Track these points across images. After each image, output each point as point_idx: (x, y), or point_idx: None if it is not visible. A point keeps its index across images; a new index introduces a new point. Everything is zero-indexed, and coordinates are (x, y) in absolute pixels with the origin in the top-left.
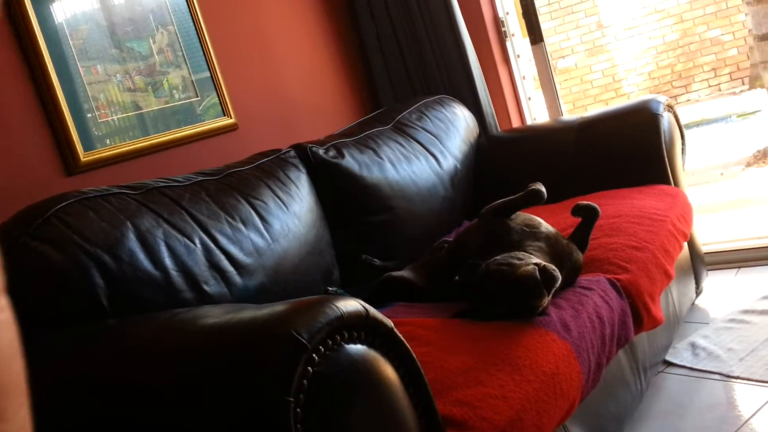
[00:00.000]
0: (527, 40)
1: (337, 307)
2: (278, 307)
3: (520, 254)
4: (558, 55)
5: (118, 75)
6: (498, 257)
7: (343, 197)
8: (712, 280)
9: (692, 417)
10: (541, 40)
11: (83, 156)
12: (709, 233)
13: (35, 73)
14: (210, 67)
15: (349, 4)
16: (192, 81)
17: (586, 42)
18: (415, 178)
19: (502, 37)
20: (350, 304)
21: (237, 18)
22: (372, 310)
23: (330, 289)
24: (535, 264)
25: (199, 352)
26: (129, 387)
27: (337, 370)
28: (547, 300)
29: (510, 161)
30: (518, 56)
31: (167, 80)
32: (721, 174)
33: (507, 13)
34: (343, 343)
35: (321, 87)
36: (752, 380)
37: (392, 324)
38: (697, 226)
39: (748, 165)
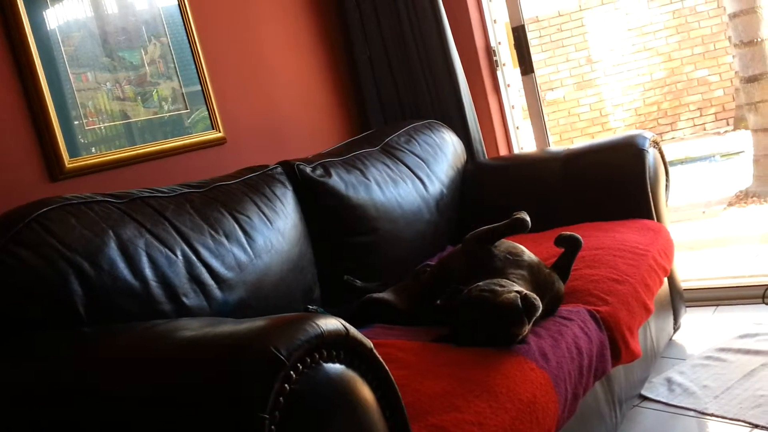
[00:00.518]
0: (518, 70)
1: (317, 325)
2: (258, 323)
3: (503, 281)
4: (547, 86)
5: (108, 83)
6: (480, 283)
7: (328, 216)
8: (690, 316)
9: None
10: (532, 71)
11: (68, 162)
12: (689, 270)
13: (25, 77)
14: (201, 80)
15: (342, 25)
16: (182, 93)
17: (575, 75)
18: (401, 200)
19: (493, 66)
20: (331, 323)
21: (231, 33)
22: (352, 330)
23: (310, 307)
24: (517, 292)
25: (175, 365)
26: (101, 397)
27: (315, 388)
28: (527, 328)
29: (496, 189)
30: (508, 86)
31: (157, 91)
32: (703, 212)
33: (499, 43)
34: (321, 362)
35: (311, 106)
36: (726, 418)
37: (372, 345)
38: (678, 262)
39: (730, 204)
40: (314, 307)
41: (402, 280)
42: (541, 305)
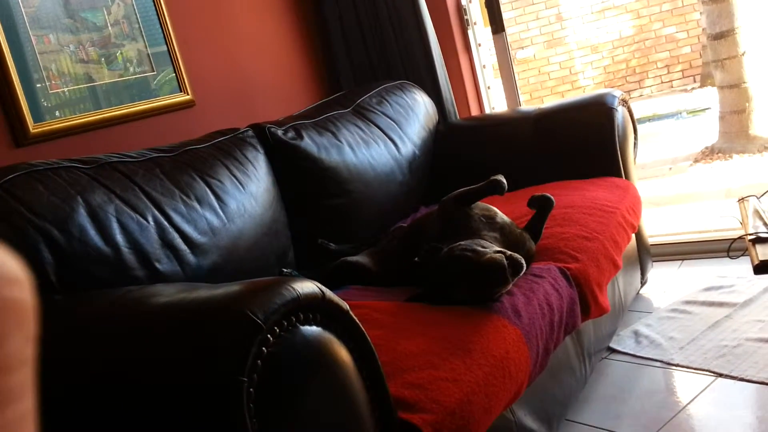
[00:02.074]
0: (488, 29)
1: (293, 288)
2: (234, 287)
3: (483, 242)
4: (517, 45)
5: (71, 45)
6: (462, 243)
7: (300, 179)
8: (656, 271)
9: (633, 402)
10: (503, 30)
11: (33, 127)
12: (656, 226)
13: None
14: (167, 41)
15: None
16: (148, 54)
17: (545, 34)
18: (374, 162)
19: (464, 25)
20: (307, 286)
21: None
22: (328, 293)
23: (285, 270)
24: (501, 252)
25: (151, 332)
26: (76, 367)
27: (292, 351)
28: (508, 287)
29: (468, 149)
30: (479, 45)
31: (122, 53)
32: (670, 169)
33: (470, 2)
34: (298, 324)
35: (281, 67)
36: (691, 368)
37: (348, 307)
38: (645, 218)
39: (696, 161)
40: (289, 270)
41: (376, 242)
42: (524, 265)
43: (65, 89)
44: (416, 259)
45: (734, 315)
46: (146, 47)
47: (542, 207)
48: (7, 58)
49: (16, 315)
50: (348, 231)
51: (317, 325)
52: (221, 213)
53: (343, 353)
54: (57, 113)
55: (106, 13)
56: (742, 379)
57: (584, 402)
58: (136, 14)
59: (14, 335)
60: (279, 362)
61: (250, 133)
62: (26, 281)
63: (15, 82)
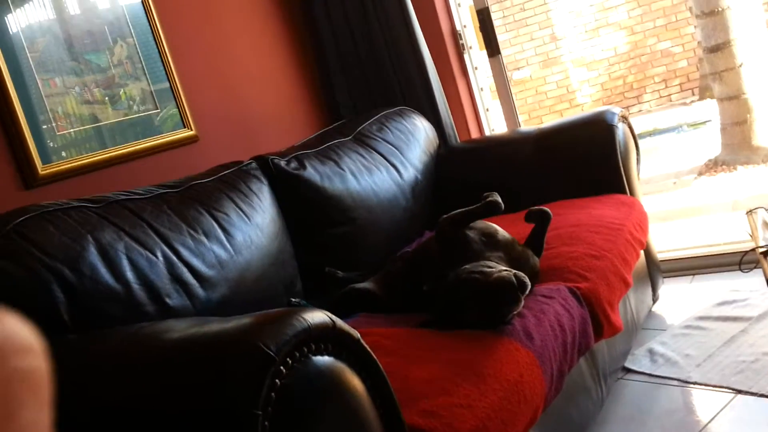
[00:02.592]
0: (484, 52)
1: (304, 319)
2: (245, 320)
3: (489, 263)
4: (513, 66)
5: (76, 87)
6: (467, 266)
7: (305, 208)
8: (668, 287)
9: (652, 422)
10: (498, 52)
11: (41, 169)
12: (664, 241)
13: None
14: (170, 78)
15: (309, 17)
16: (151, 92)
17: (540, 54)
18: (377, 189)
19: (460, 49)
20: (317, 316)
21: (198, 30)
22: (339, 322)
23: (293, 300)
24: (507, 271)
25: (164, 367)
26: (92, 405)
27: (305, 382)
28: (520, 307)
29: (470, 172)
30: (476, 68)
31: (125, 92)
32: (674, 183)
33: (464, 26)
34: (310, 355)
35: (282, 99)
36: (709, 385)
37: (359, 335)
38: (653, 234)
39: (700, 174)
40: (297, 300)
41: (382, 268)
42: (529, 283)
43: (71, 130)
44: (424, 288)
45: (750, 329)
46: (149, 85)
47: (540, 220)
48: (15, 103)
49: (30, 384)
50: (354, 258)
51: (329, 355)
52: (228, 246)
53: (355, 382)
54: (63, 154)
55: (109, 54)
56: (762, 395)
57: (602, 424)
58: (138, 54)
59: (29, 404)
60: (292, 393)
61: (254, 165)
62: (40, 349)
63: (23, 126)
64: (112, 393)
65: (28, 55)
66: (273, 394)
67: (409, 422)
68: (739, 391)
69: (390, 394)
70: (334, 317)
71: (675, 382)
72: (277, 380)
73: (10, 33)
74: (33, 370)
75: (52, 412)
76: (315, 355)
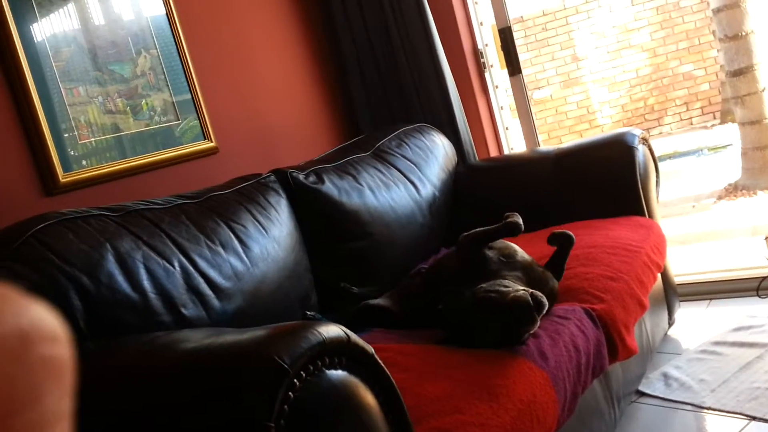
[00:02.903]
0: (505, 71)
1: (319, 332)
2: (260, 332)
3: (505, 282)
4: (533, 86)
5: (99, 97)
6: (484, 285)
7: (322, 222)
8: (684, 311)
9: None
10: (520, 71)
11: (62, 177)
12: (682, 264)
13: (17, 93)
14: (192, 90)
15: (330, 32)
16: (173, 103)
17: (561, 74)
18: (394, 204)
19: (480, 67)
20: (332, 330)
21: (220, 43)
22: (353, 336)
23: (308, 313)
24: (524, 290)
25: (179, 377)
26: (106, 414)
27: (318, 395)
28: (536, 327)
29: (488, 190)
30: (496, 87)
31: (147, 102)
32: (693, 206)
33: (486, 45)
34: (324, 369)
35: (302, 113)
36: (723, 411)
37: (373, 350)
38: (671, 257)
39: (720, 198)
40: (312, 313)
41: (397, 284)
42: (546, 303)
43: (93, 139)
44: (439, 306)
45: (766, 356)
46: (171, 96)
47: (563, 244)
48: (38, 111)
49: (55, 372)
50: (370, 273)
51: (343, 369)
52: (245, 257)
53: (368, 397)
54: (84, 162)
55: (132, 65)
56: None
57: None
58: (162, 65)
59: (52, 392)
60: (305, 406)
61: (272, 178)
62: (65, 338)
63: (46, 134)
64: (126, 402)
65: (53, 64)
66: (286, 406)
67: None
68: (754, 418)
69: (402, 411)
70: (348, 331)
71: (689, 407)
72: (290, 393)
73: (36, 42)
74: (58, 359)
75: (74, 401)
76: (329, 368)
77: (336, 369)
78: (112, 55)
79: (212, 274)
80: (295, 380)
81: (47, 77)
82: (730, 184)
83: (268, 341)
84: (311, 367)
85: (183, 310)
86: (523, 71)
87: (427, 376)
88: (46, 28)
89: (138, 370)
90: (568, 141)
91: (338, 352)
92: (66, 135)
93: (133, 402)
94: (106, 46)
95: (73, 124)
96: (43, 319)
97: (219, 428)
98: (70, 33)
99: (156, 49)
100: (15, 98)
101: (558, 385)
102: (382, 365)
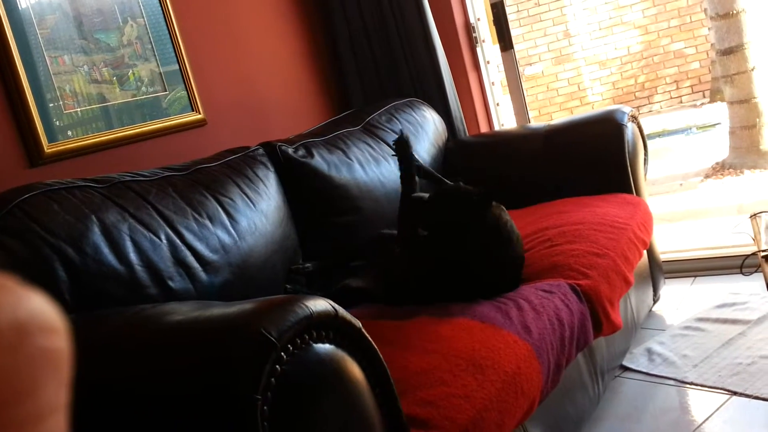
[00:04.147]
0: (497, 46)
1: (306, 306)
2: (247, 305)
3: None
4: (525, 62)
5: (85, 66)
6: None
7: (311, 197)
8: (669, 288)
9: (647, 421)
10: (511, 47)
11: (47, 147)
12: (668, 242)
13: (1, 62)
14: (179, 61)
15: (322, 5)
16: (160, 74)
17: (553, 50)
18: (384, 179)
19: (472, 42)
20: (320, 304)
21: (209, 13)
22: (341, 311)
23: (288, 287)
24: None
25: (165, 350)
26: (91, 385)
27: (305, 369)
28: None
29: (478, 165)
30: (488, 62)
31: (133, 72)
32: (681, 185)
33: (478, 20)
34: (311, 342)
35: (291, 86)
36: (705, 386)
37: (360, 324)
38: (657, 234)
39: (707, 176)
40: (292, 286)
41: (360, 254)
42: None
43: (78, 109)
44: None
45: (748, 332)
46: (158, 67)
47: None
48: (23, 80)
49: (51, 364)
50: (358, 247)
51: (330, 343)
52: (232, 231)
53: (355, 371)
54: (69, 133)
55: (119, 34)
56: (757, 398)
57: (598, 420)
58: (149, 35)
59: (49, 383)
60: (292, 380)
61: (261, 151)
62: (63, 329)
63: (30, 103)
64: (112, 374)
65: (38, 32)
66: (273, 379)
67: (407, 412)
68: (735, 393)
69: (389, 384)
70: (336, 305)
71: (671, 382)
72: (277, 366)
73: (20, 9)
74: (55, 350)
75: (70, 393)
76: (316, 342)
77: (323, 343)
78: (98, 23)
79: (199, 247)
80: (283, 354)
81: (32, 45)
82: (717, 163)
83: (256, 315)
84: (299, 341)
85: (170, 283)
86: (515, 47)
87: (412, 350)
88: None
89: (124, 342)
90: (559, 118)
91: (326, 325)
92: (51, 105)
93: (118, 374)
94: (92, 14)
95: (58, 94)
96: (41, 309)
97: (206, 401)
98: (55, 0)
99: (143, 18)
100: None
101: (542, 356)
102: (369, 339)
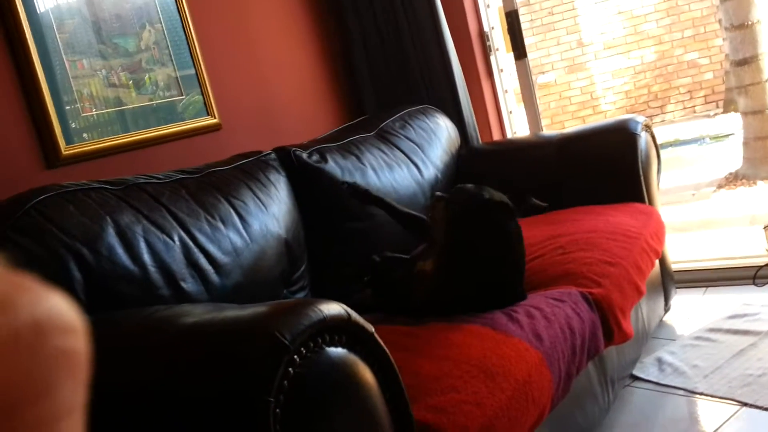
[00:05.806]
0: (511, 54)
1: (320, 309)
2: (261, 308)
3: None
4: (538, 70)
5: (103, 70)
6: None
7: (324, 202)
8: (680, 297)
9: (657, 431)
10: (525, 56)
11: (65, 150)
12: (680, 252)
13: (20, 64)
14: (196, 66)
15: (336, 12)
16: (177, 78)
17: (566, 59)
18: (397, 185)
19: (486, 51)
20: (333, 308)
21: (225, 18)
22: (354, 315)
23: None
24: None
25: (179, 351)
26: (107, 386)
27: (318, 372)
28: None
29: (490, 173)
30: (501, 70)
31: (150, 76)
32: (693, 194)
33: (492, 28)
34: (324, 346)
35: (305, 92)
36: (715, 397)
37: (373, 329)
38: (669, 244)
39: (720, 187)
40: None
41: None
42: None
43: (95, 113)
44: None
45: (759, 343)
46: (175, 71)
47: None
48: (42, 83)
49: (69, 365)
50: (370, 254)
51: (342, 347)
52: (244, 233)
53: (367, 375)
54: (85, 136)
55: (137, 39)
56: (767, 409)
57: (607, 430)
58: (166, 39)
59: (66, 384)
60: (305, 383)
61: (273, 156)
62: (82, 330)
63: (48, 106)
64: (126, 375)
65: (57, 35)
66: (286, 382)
67: (418, 417)
68: (745, 404)
69: (400, 389)
70: (349, 309)
71: (681, 392)
72: (290, 369)
73: (39, 12)
74: (73, 351)
75: (87, 394)
76: (329, 346)
77: (336, 346)
78: (117, 28)
79: (212, 249)
80: (296, 357)
81: (50, 49)
82: (730, 173)
83: (270, 318)
84: (312, 344)
85: (182, 284)
86: (528, 55)
87: (424, 356)
88: (51, 0)
89: (138, 343)
90: (572, 126)
91: (339, 329)
92: (68, 107)
93: (132, 375)
94: (111, 19)
95: (76, 97)
96: (60, 309)
97: (219, 403)
98: (74, 5)
99: (161, 23)
100: (18, 69)
101: (553, 365)
102: (382, 344)
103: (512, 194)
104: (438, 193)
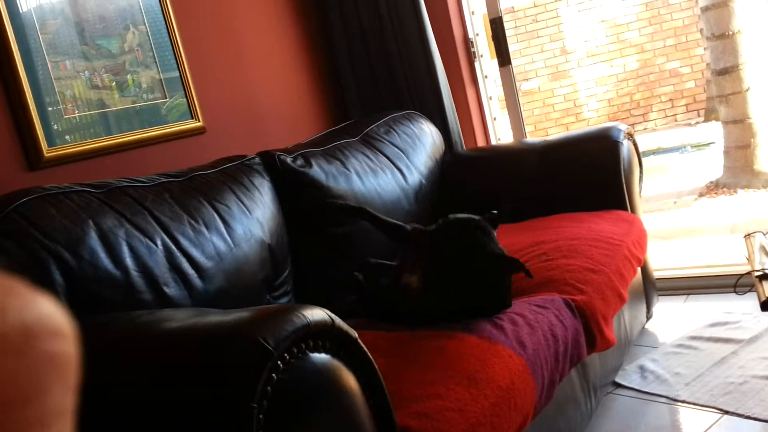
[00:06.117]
0: (495, 61)
1: (303, 315)
2: (244, 314)
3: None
4: (522, 77)
5: (86, 72)
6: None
7: (308, 207)
8: (662, 305)
9: None
10: (509, 62)
11: (47, 152)
12: (662, 259)
13: (2, 65)
14: (180, 68)
15: (321, 16)
16: (161, 81)
17: (549, 66)
18: (381, 191)
19: (471, 57)
20: (317, 314)
21: (210, 21)
22: (338, 320)
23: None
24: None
25: (162, 356)
26: (88, 390)
27: (301, 378)
28: None
29: (474, 179)
30: (486, 77)
31: (133, 79)
32: (675, 202)
33: (477, 35)
34: (308, 352)
35: (290, 96)
36: (697, 405)
37: (357, 335)
38: (651, 252)
39: (701, 195)
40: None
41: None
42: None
43: (78, 114)
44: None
45: (740, 351)
46: (159, 73)
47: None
48: (24, 83)
49: (58, 368)
50: (355, 258)
51: (326, 353)
52: (228, 237)
53: (351, 381)
54: (68, 138)
55: (120, 40)
56: (748, 417)
57: None
58: (150, 42)
59: (55, 388)
60: (288, 389)
61: (257, 160)
62: (71, 334)
63: (31, 107)
64: (107, 380)
65: (40, 36)
66: (269, 388)
67: (401, 423)
68: (726, 412)
69: (384, 395)
70: (333, 315)
71: (663, 400)
72: (273, 375)
73: (22, 12)
74: (62, 355)
75: (76, 398)
76: (313, 352)
77: (320, 352)
78: (100, 29)
79: (195, 253)
80: (279, 362)
81: (33, 49)
82: (711, 182)
83: (253, 323)
84: (295, 350)
85: (165, 289)
86: (513, 62)
87: (408, 362)
88: (33, 0)
89: (120, 348)
90: (555, 133)
91: (322, 335)
92: (51, 109)
93: (115, 380)
94: (94, 20)
95: (59, 98)
96: (49, 313)
97: (202, 408)
98: (57, 5)
99: (145, 25)
100: (0, 70)
101: (536, 372)
102: (365, 350)
103: (487, 210)
104: (416, 225)
